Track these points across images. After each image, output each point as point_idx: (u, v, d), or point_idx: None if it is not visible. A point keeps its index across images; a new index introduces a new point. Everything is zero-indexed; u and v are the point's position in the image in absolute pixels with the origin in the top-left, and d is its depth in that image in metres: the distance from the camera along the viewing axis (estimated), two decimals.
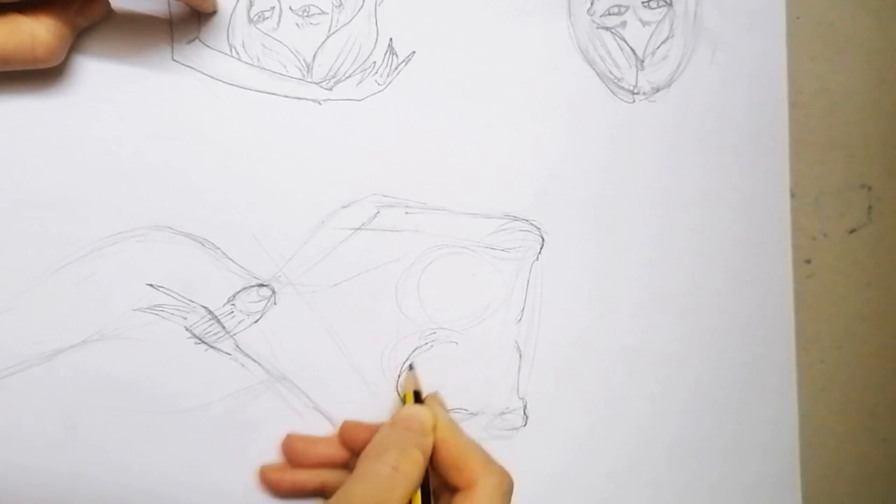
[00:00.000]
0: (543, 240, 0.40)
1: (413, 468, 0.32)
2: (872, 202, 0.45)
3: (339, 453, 0.37)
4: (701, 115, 0.42)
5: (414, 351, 0.39)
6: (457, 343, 0.39)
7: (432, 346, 0.39)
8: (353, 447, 0.36)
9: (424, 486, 0.33)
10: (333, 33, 0.37)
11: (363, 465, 0.33)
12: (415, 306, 0.39)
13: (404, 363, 0.38)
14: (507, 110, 0.39)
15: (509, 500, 0.33)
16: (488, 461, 0.34)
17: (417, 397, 0.37)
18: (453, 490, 0.34)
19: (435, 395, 0.38)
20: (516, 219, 0.40)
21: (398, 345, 0.38)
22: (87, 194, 0.35)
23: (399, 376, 0.38)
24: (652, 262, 0.42)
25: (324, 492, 0.36)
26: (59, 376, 0.35)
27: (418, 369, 0.38)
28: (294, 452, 0.36)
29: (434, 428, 0.34)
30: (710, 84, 0.42)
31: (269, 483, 0.36)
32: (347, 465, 0.37)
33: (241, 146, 0.37)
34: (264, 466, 0.36)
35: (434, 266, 0.39)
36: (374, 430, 0.36)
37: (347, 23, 0.37)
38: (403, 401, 0.37)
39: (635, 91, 0.41)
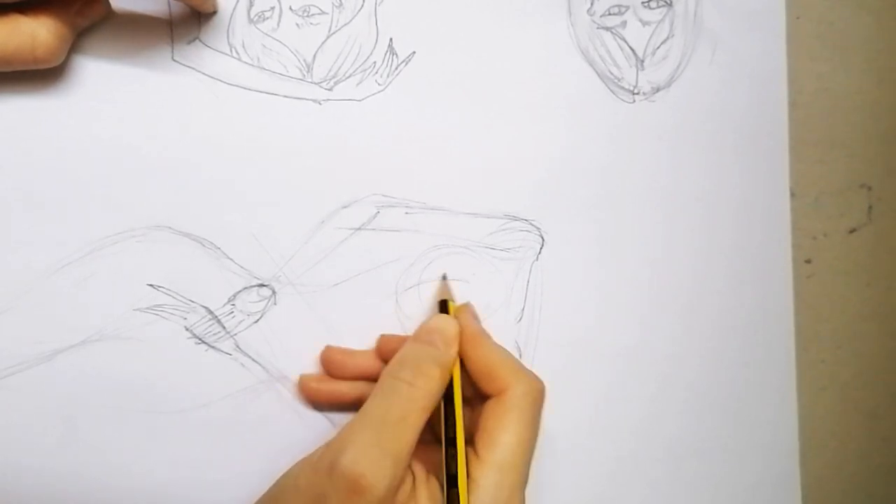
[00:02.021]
0: (543, 240, 0.40)
1: (429, 382, 0.32)
2: (872, 202, 0.45)
3: (377, 366, 0.37)
4: (701, 114, 0.42)
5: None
6: None
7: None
8: (389, 359, 0.36)
9: (452, 396, 0.33)
10: (333, 33, 0.37)
11: (382, 381, 0.33)
12: (415, 306, 0.39)
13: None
14: (507, 110, 0.39)
15: (541, 407, 0.34)
16: (519, 368, 0.34)
17: (445, 307, 0.36)
18: (485, 398, 0.34)
19: (465, 306, 0.38)
20: (516, 219, 0.40)
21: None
22: (88, 194, 0.35)
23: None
24: (652, 261, 0.42)
25: (361, 403, 0.36)
26: (59, 376, 0.35)
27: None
28: (332, 364, 0.37)
29: (457, 339, 0.35)
30: (710, 84, 0.42)
31: (308, 392, 0.36)
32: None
33: (241, 146, 0.37)
34: (304, 375, 0.37)
35: (434, 266, 0.39)
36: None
37: (347, 23, 0.37)
38: (439, 310, 0.37)
39: (635, 91, 0.41)
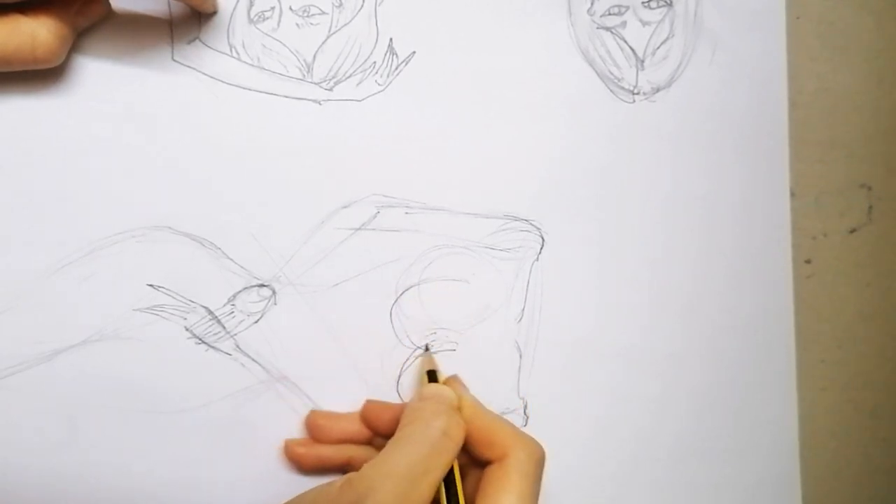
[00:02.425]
0: (543, 240, 0.40)
1: (461, 435, 0.32)
2: (873, 202, 0.45)
3: (362, 431, 0.37)
4: (701, 114, 0.42)
5: (414, 351, 0.39)
6: (457, 343, 0.39)
7: (433, 346, 0.39)
8: (373, 426, 0.37)
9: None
10: (334, 33, 0.37)
11: (412, 428, 0.32)
12: (415, 306, 0.39)
13: (408, 359, 0.38)
14: (507, 110, 0.39)
15: (541, 470, 0.34)
16: (518, 433, 0.34)
17: (433, 380, 0.36)
18: (483, 465, 0.34)
19: (455, 377, 0.38)
20: (516, 219, 0.40)
21: (398, 345, 0.38)
22: (87, 194, 0.35)
23: (399, 374, 0.38)
24: (652, 261, 0.42)
25: (349, 466, 0.36)
26: (59, 376, 0.35)
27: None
28: (317, 429, 0.37)
29: (459, 407, 0.34)
30: (710, 84, 0.42)
31: (295, 457, 0.36)
32: (372, 443, 0.37)
33: (241, 146, 0.37)
34: (289, 440, 0.37)
35: (434, 266, 0.39)
36: (396, 410, 0.36)
37: (348, 23, 0.37)
38: (421, 383, 0.37)
39: (635, 91, 0.41)
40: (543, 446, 0.34)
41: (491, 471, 0.33)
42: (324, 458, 0.36)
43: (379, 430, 0.36)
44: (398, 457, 0.31)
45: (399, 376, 0.38)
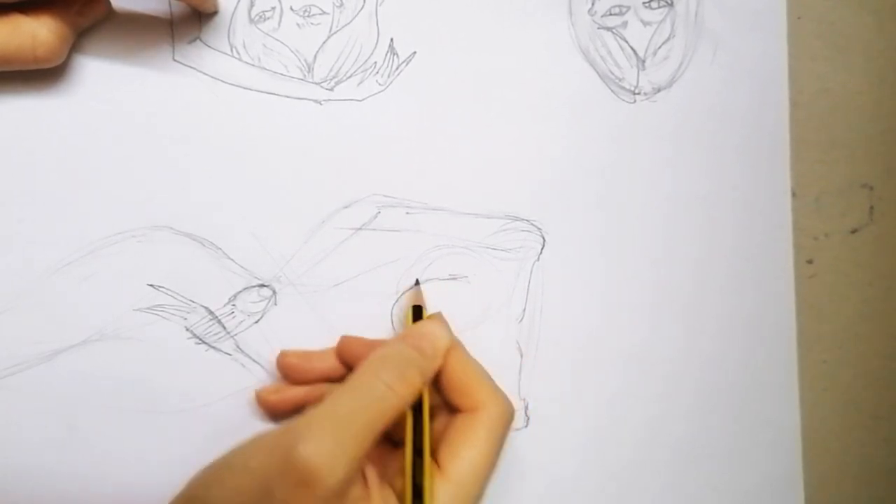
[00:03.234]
0: (544, 240, 0.40)
1: (409, 390, 0.32)
2: (874, 202, 0.45)
3: (337, 368, 0.36)
4: (702, 115, 0.42)
5: None
6: None
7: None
8: (350, 362, 0.36)
9: (420, 405, 0.32)
10: (334, 33, 0.37)
11: (359, 376, 0.32)
12: None
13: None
14: (508, 111, 0.39)
15: (508, 429, 0.34)
16: (494, 388, 0.34)
17: (417, 315, 0.36)
18: (453, 410, 0.34)
19: (439, 315, 0.37)
20: (517, 219, 0.40)
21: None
22: (88, 194, 0.35)
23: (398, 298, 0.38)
24: (653, 262, 0.41)
25: None
26: (59, 376, 0.35)
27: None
28: (290, 368, 0.36)
29: (445, 350, 0.34)
30: (711, 84, 0.42)
31: (268, 405, 0.36)
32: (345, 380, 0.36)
33: (241, 146, 0.37)
34: (260, 389, 0.36)
35: (435, 266, 0.39)
36: (372, 345, 0.35)
37: (348, 23, 0.37)
38: (409, 318, 0.36)
39: (636, 91, 0.41)
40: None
41: (460, 420, 0.33)
42: (298, 400, 0.35)
43: (354, 365, 0.35)
44: (340, 401, 0.30)
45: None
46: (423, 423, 0.32)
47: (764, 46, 0.42)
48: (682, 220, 0.42)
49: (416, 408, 0.33)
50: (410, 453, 0.32)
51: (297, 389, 0.36)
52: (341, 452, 0.29)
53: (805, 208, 0.44)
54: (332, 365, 0.36)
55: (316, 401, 0.34)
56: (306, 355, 0.36)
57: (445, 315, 0.37)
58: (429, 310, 0.37)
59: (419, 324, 0.35)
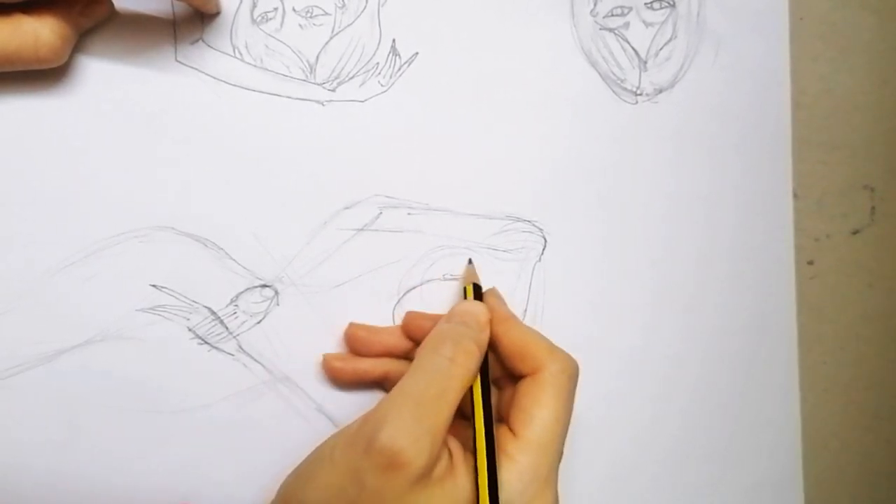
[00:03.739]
0: (546, 241, 0.40)
1: (469, 359, 0.32)
2: (875, 203, 0.45)
3: (402, 343, 0.37)
4: (704, 116, 0.42)
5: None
6: None
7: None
8: (415, 337, 0.36)
9: (483, 379, 0.33)
10: (336, 34, 0.37)
11: (421, 357, 0.33)
12: (417, 307, 0.38)
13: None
14: (510, 111, 0.39)
15: (575, 384, 0.34)
16: (552, 347, 0.34)
17: (477, 290, 0.36)
18: (518, 378, 0.34)
19: (493, 290, 0.38)
20: (519, 220, 0.40)
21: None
22: (90, 194, 0.35)
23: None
24: (654, 263, 0.42)
25: (386, 380, 0.36)
26: (61, 377, 0.35)
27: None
28: (356, 340, 0.37)
29: (489, 322, 0.35)
30: (712, 85, 0.42)
31: (332, 371, 0.36)
32: (409, 356, 0.37)
33: (243, 147, 0.37)
34: (328, 354, 0.37)
35: (436, 267, 0.39)
36: (437, 320, 0.36)
37: (350, 24, 0.37)
38: (464, 294, 0.37)
39: (638, 92, 0.41)
40: (578, 362, 0.34)
41: (525, 384, 0.33)
42: (361, 371, 0.36)
43: (419, 340, 0.36)
44: (408, 386, 0.31)
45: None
46: (485, 390, 0.33)
47: (766, 47, 0.42)
48: (684, 221, 0.42)
49: (482, 382, 0.33)
50: (482, 426, 0.32)
51: (362, 361, 0.36)
52: (422, 432, 0.29)
53: (806, 209, 0.44)
54: (397, 340, 0.37)
55: (378, 374, 0.36)
56: (374, 329, 0.37)
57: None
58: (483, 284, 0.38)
59: (457, 304, 0.36)
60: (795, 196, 0.43)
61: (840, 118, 0.44)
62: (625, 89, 0.41)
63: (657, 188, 0.41)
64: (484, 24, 0.39)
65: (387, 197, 0.38)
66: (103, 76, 0.35)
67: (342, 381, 0.37)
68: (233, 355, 0.36)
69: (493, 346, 0.35)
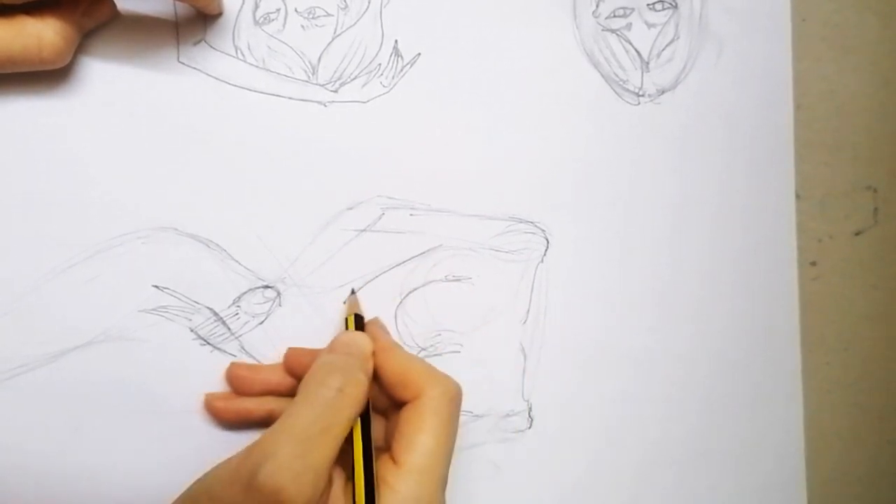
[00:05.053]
0: (548, 242, 0.40)
1: (358, 390, 0.31)
2: (878, 204, 0.45)
3: (284, 381, 0.36)
4: (706, 117, 0.42)
5: (419, 353, 0.39)
6: (461, 345, 0.39)
7: (437, 347, 0.39)
8: (297, 374, 0.35)
9: (364, 412, 0.32)
10: (339, 35, 0.37)
11: (307, 389, 0.32)
12: (419, 308, 0.38)
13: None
14: (512, 112, 0.39)
15: (457, 408, 0.33)
16: (432, 372, 0.33)
17: (359, 321, 0.36)
18: (401, 406, 0.33)
19: (375, 320, 0.37)
20: (521, 221, 0.40)
21: (402, 346, 0.38)
22: (93, 195, 0.35)
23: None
24: (657, 263, 0.41)
25: (270, 419, 0.35)
26: (64, 378, 0.35)
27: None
28: (239, 380, 0.36)
29: (371, 352, 0.34)
30: (715, 86, 0.42)
31: (215, 411, 0.36)
32: (292, 393, 0.35)
33: (246, 148, 0.37)
34: (209, 394, 0.36)
35: (439, 268, 0.39)
36: (319, 355, 0.35)
37: (353, 25, 0.38)
38: (346, 325, 0.36)
39: (640, 93, 0.41)
40: (461, 385, 0.33)
41: (405, 411, 0.32)
42: (244, 411, 0.35)
43: (302, 376, 0.34)
44: (293, 419, 0.30)
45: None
46: (364, 421, 0.32)
47: (768, 48, 0.42)
48: (686, 222, 0.42)
49: (362, 415, 0.32)
50: (360, 457, 0.31)
51: (245, 400, 0.36)
52: (305, 469, 0.28)
53: (809, 210, 0.44)
54: (279, 377, 0.36)
55: (262, 413, 0.35)
56: (255, 367, 0.36)
57: (443, 315, 0.37)
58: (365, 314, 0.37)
59: (340, 334, 0.35)
60: (798, 197, 0.43)
61: (843, 119, 0.44)
62: (627, 90, 0.41)
63: (659, 189, 0.41)
64: (486, 25, 0.39)
65: (389, 198, 0.38)
66: (106, 77, 0.35)
67: (226, 421, 0.36)
68: (235, 356, 0.36)
69: (375, 376, 0.34)
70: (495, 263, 0.39)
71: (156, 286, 0.36)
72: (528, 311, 0.40)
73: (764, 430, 0.43)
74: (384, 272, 0.38)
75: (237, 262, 0.36)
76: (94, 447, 0.35)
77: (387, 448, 0.32)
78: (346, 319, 0.36)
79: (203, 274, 0.36)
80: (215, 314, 0.36)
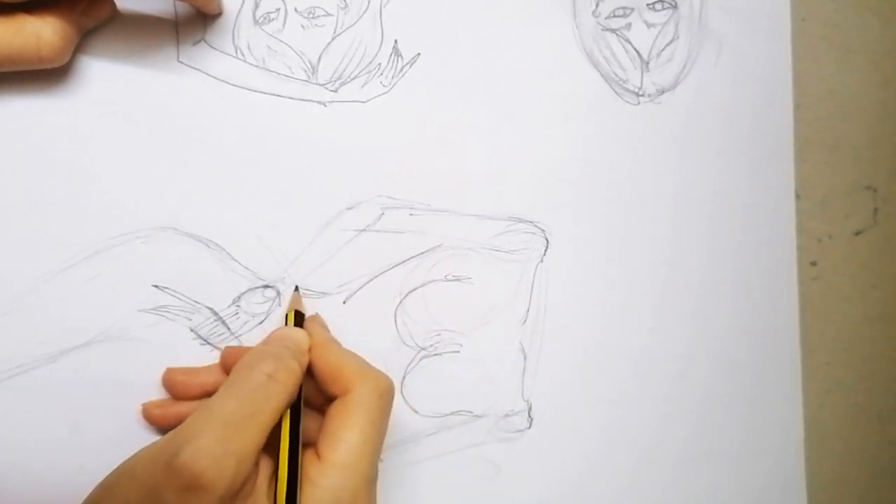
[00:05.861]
0: (548, 241, 0.40)
1: (289, 377, 0.31)
2: (878, 204, 0.45)
3: (222, 380, 0.35)
4: (706, 116, 0.42)
5: (419, 353, 0.39)
6: (461, 345, 0.39)
7: (437, 347, 0.39)
8: None
9: (295, 403, 0.32)
10: (339, 35, 0.37)
11: (236, 374, 0.31)
12: (419, 308, 0.38)
13: (412, 361, 0.38)
14: (512, 112, 0.39)
15: (387, 404, 0.33)
16: (364, 368, 0.33)
17: (299, 318, 0.36)
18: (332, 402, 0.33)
19: (315, 316, 0.37)
20: (521, 220, 0.40)
21: (402, 347, 0.38)
22: (92, 195, 0.35)
23: (403, 376, 0.38)
24: (656, 263, 0.41)
25: None
26: (64, 377, 0.35)
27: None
28: (175, 385, 0.35)
29: (307, 348, 0.33)
30: (715, 86, 0.42)
31: (152, 419, 0.35)
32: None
33: (245, 147, 0.37)
34: (146, 403, 0.35)
35: (438, 267, 0.39)
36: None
37: (353, 24, 0.38)
38: (286, 321, 0.36)
39: (640, 93, 0.41)
40: (392, 380, 0.33)
41: (333, 407, 0.32)
42: (183, 416, 0.34)
43: None
44: (220, 402, 0.29)
45: (403, 378, 0.38)
46: (294, 414, 0.32)
47: (768, 48, 0.42)
48: (686, 222, 0.42)
49: (292, 407, 0.32)
50: (286, 451, 0.31)
51: (182, 405, 0.35)
52: (226, 455, 0.28)
53: (809, 210, 0.44)
54: (216, 378, 0.35)
55: None
56: (192, 371, 0.35)
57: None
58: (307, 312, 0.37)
59: (276, 330, 0.35)
60: (798, 197, 0.43)
61: (843, 119, 0.44)
62: (627, 90, 0.41)
63: (659, 189, 0.41)
64: (486, 24, 0.39)
65: (389, 197, 0.38)
66: (105, 76, 0.35)
67: (166, 427, 0.35)
68: None
69: (310, 371, 0.33)
70: (495, 263, 0.39)
71: (156, 286, 0.36)
72: (528, 310, 0.40)
73: (764, 431, 0.43)
74: (384, 272, 0.38)
75: (237, 261, 0.36)
76: (94, 447, 0.35)
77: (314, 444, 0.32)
78: (287, 315, 0.36)
79: (203, 274, 0.36)
80: (215, 314, 0.36)
